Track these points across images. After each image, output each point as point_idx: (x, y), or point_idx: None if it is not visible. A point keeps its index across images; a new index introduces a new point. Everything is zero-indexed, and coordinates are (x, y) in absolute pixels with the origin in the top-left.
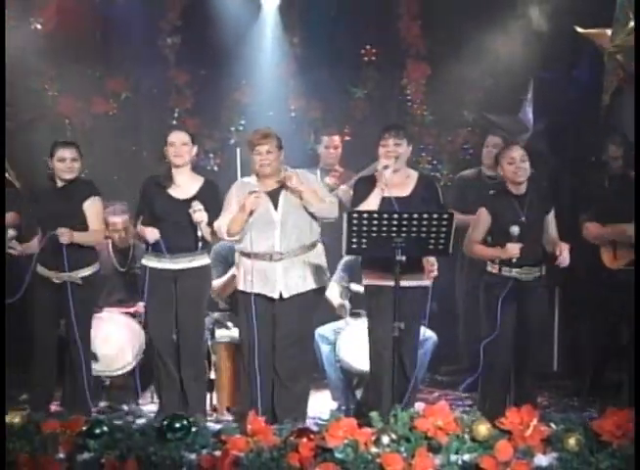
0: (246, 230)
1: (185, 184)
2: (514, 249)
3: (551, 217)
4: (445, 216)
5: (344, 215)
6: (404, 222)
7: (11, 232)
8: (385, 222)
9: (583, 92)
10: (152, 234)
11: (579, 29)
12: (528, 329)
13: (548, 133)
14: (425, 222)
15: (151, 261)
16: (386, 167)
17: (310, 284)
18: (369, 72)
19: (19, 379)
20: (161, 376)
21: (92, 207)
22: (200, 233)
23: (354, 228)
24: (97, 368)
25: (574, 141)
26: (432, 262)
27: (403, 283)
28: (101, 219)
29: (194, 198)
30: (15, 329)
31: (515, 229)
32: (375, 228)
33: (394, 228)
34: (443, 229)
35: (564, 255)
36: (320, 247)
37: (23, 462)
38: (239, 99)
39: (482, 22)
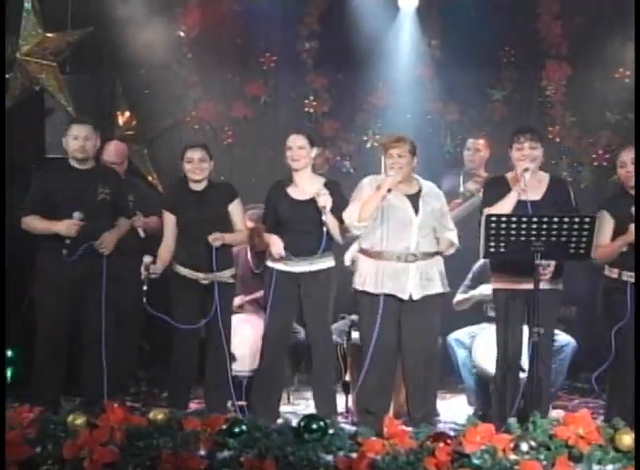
0: (375, 227)
1: (305, 186)
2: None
3: None
4: (587, 220)
5: (482, 219)
6: (544, 226)
7: (147, 259)
8: (524, 226)
9: None
10: (277, 249)
11: None
12: None
13: None
14: (565, 226)
15: (276, 264)
16: (526, 170)
17: (437, 288)
18: (508, 74)
19: (160, 377)
20: (270, 379)
21: (237, 208)
22: (324, 218)
23: (492, 232)
24: (235, 368)
25: None
26: (547, 263)
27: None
28: (244, 220)
29: (313, 199)
30: (158, 328)
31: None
32: (513, 232)
33: (534, 232)
34: (585, 233)
35: None
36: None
37: (167, 458)
38: (375, 102)
39: (625, 19)
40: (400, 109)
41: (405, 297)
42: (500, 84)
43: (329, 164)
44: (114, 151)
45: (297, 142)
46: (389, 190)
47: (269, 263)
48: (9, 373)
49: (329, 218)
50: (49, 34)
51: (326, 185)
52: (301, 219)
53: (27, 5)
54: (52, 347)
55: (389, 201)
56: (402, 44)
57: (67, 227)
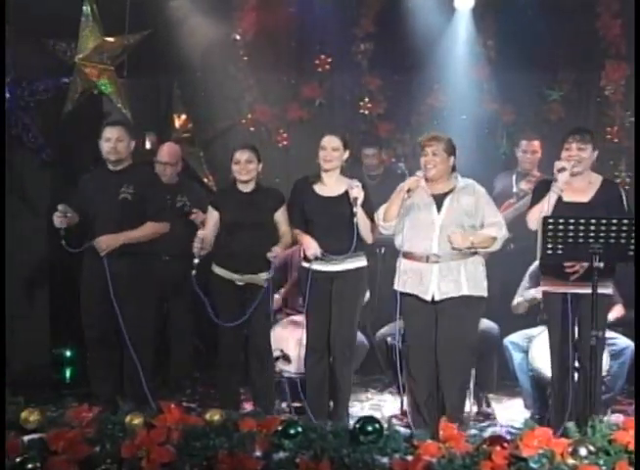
0: (401, 226)
1: (332, 185)
2: None
3: None
4: None
5: (540, 220)
6: (603, 228)
7: (201, 233)
8: (582, 227)
9: None
10: (313, 250)
11: None
12: None
13: None
14: (625, 228)
15: (310, 263)
16: (562, 170)
17: (465, 290)
18: (565, 74)
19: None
20: (310, 378)
21: (283, 215)
22: (355, 209)
23: (550, 234)
24: (290, 369)
25: None
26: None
27: (584, 290)
28: (289, 225)
29: (342, 196)
30: (212, 329)
31: None
32: (572, 234)
33: (592, 234)
34: None
35: None
36: (479, 257)
37: (223, 459)
38: (431, 103)
39: None
40: (456, 110)
41: (427, 298)
42: (557, 85)
43: (384, 165)
44: (166, 152)
45: (331, 143)
46: (410, 190)
47: (303, 263)
48: (67, 373)
49: (359, 212)
50: (107, 39)
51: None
52: (329, 217)
53: (86, 9)
54: (97, 348)
55: (414, 201)
56: (458, 45)
57: (54, 220)
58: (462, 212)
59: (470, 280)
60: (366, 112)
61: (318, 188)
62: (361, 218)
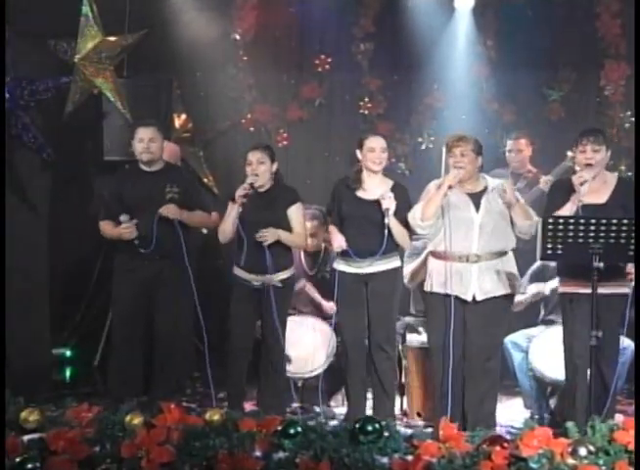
0: (440, 227)
1: (374, 187)
2: None
3: None
4: None
5: (539, 221)
6: (602, 228)
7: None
8: (581, 227)
9: None
10: (338, 242)
11: None
12: None
13: None
14: (625, 228)
15: (341, 265)
16: (583, 183)
17: (501, 289)
18: (565, 74)
19: (217, 377)
20: (352, 379)
21: (296, 212)
22: (387, 220)
23: (549, 233)
24: (290, 370)
25: None
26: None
27: (601, 290)
28: (304, 224)
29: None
30: (215, 328)
31: None
32: (571, 234)
33: (592, 234)
34: None
35: None
36: (511, 254)
37: (222, 459)
38: (431, 103)
39: None
40: (456, 110)
41: (468, 298)
42: (557, 84)
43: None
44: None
45: (380, 144)
46: (450, 186)
47: (335, 266)
48: (67, 373)
49: (392, 221)
50: (106, 38)
51: (393, 188)
52: (365, 219)
53: (85, 9)
54: (129, 347)
55: (450, 200)
56: (458, 45)
57: (123, 234)
58: (497, 213)
59: (505, 279)
60: (366, 112)
61: (359, 191)
62: (395, 227)
